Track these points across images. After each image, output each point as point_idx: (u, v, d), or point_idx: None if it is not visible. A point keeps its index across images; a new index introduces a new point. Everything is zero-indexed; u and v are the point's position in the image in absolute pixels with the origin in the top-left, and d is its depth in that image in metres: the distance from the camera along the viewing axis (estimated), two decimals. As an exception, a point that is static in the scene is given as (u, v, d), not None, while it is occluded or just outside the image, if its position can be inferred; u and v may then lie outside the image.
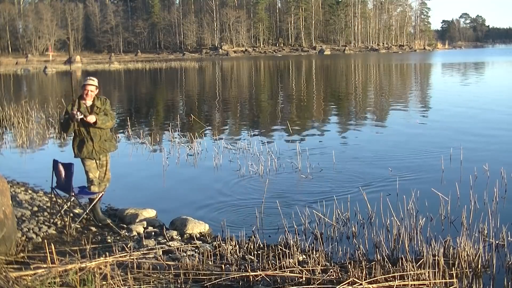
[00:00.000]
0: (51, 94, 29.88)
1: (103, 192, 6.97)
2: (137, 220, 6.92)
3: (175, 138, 13.24)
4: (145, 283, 4.61)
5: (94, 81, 6.91)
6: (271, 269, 4.96)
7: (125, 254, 5.32)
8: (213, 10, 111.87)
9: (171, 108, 23.16)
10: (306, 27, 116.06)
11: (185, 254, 5.61)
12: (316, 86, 32.69)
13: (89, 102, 6.86)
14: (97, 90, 6.96)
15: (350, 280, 4.54)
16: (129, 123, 14.88)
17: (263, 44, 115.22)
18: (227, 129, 16.30)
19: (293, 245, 5.90)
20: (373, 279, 4.62)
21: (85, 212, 6.94)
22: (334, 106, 22.08)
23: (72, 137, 7.04)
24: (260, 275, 4.79)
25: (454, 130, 14.17)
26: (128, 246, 5.80)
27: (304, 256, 5.63)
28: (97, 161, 6.89)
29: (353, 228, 6.68)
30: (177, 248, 5.79)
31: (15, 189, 8.52)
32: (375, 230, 6.35)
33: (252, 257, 5.62)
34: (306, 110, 20.92)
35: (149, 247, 5.78)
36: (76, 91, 8.44)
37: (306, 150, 10.98)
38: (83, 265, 4.75)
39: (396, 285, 4.51)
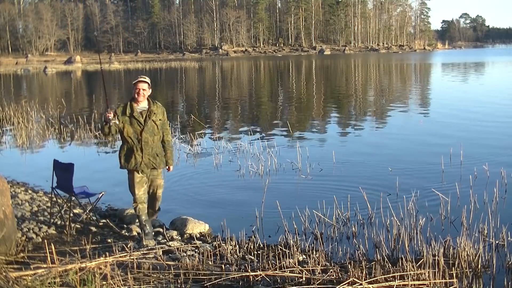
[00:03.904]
0: (51, 94, 29.89)
1: (103, 192, 6.96)
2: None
3: (175, 138, 13.24)
4: (145, 283, 4.61)
5: (146, 79, 5.99)
6: (271, 269, 4.96)
7: (125, 254, 5.32)
8: (213, 10, 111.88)
9: (171, 108, 23.15)
10: (306, 27, 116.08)
11: (185, 254, 5.61)
12: (316, 86, 32.69)
13: (143, 105, 5.98)
14: (150, 90, 6.06)
15: (350, 280, 4.54)
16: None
17: (263, 44, 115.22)
18: (227, 129, 16.30)
19: (293, 245, 5.89)
20: (373, 279, 4.62)
21: (86, 212, 6.94)
22: (334, 106, 22.08)
23: (120, 146, 6.22)
24: (260, 275, 4.79)
25: (454, 130, 14.16)
26: (128, 246, 5.80)
27: (304, 256, 5.63)
28: (144, 175, 6.12)
29: (353, 228, 6.68)
30: (177, 248, 5.79)
31: (15, 189, 8.51)
32: (375, 230, 6.36)
33: (252, 257, 5.62)
34: (306, 110, 20.92)
35: (149, 247, 5.78)
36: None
37: (306, 150, 10.98)
38: (83, 265, 4.75)
39: (396, 285, 4.50)
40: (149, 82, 6.01)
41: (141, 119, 5.93)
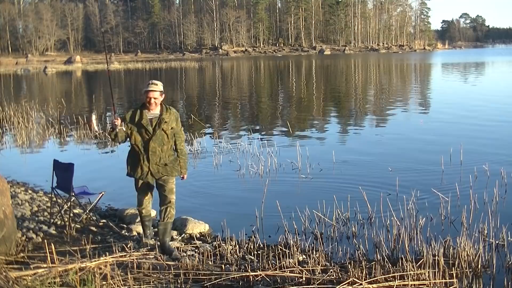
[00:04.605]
0: (51, 94, 29.88)
1: (103, 192, 6.96)
2: (137, 220, 6.91)
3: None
4: (145, 283, 4.61)
5: (158, 86, 5.52)
6: (271, 269, 4.96)
7: (125, 254, 5.32)
8: (213, 10, 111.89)
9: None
10: (306, 27, 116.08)
11: (185, 254, 5.61)
12: (316, 86, 32.69)
13: (155, 111, 5.56)
14: (163, 96, 5.61)
15: (350, 280, 4.53)
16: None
17: (263, 44, 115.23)
18: (227, 129, 16.30)
19: (293, 245, 5.90)
20: (373, 279, 4.62)
21: (85, 212, 6.94)
22: (334, 106, 22.07)
23: (128, 153, 5.81)
24: (260, 275, 4.79)
25: (454, 130, 14.17)
26: (128, 246, 5.80)
27: (304, 256, 5.64)
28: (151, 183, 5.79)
29: (353, 228, 6.68)
30: (177, 248, 5.79)
31: (15, 189, 8.51)
32: (375, 230, 6.36)
33: (252, 257, 5.62)
34: (306, 110, 20.91)
35: (149, 247, 5.78)
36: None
37: (306, 150, 10.98)
38: (83, 265, 4.75)
39: (396, 285, 4.50)
40: (162, 89, 5.56)
41: (149, 128, 5.50)
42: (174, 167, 5.65)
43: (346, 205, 7.15)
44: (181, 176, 5.82)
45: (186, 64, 66.33)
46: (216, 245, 5.96)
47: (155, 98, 5.48)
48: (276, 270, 4.92)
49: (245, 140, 13.05)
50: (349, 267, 4.96)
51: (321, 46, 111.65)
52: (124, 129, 5.51)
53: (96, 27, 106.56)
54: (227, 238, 6.21)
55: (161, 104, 5.60)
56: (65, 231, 6.46)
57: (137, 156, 5.59)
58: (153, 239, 6.13)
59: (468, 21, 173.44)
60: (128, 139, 5.64)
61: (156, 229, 6.64)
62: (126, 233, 6.54)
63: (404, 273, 4.82)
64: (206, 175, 9.86)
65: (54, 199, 7.02)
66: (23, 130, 14.54)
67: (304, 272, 4.80)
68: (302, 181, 9.21)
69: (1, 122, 16.87)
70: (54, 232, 6.44)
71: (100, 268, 4.73)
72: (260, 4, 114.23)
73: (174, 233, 6.50)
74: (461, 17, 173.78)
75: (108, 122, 5.60)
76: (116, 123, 5.45)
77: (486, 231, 6.19)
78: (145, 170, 5.56)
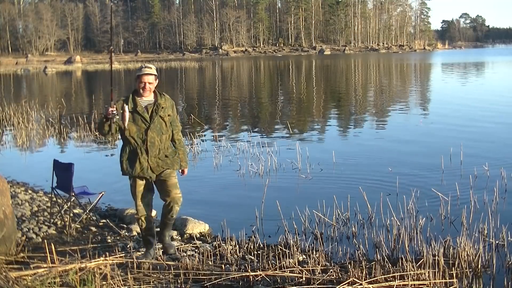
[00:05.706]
0: (51, 94, 29.88)
1: (103, 192, 6.96)
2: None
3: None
4: (145, 283, 4.61)
5: (152, 69, 5.03)
6: (271, 269, 4.96)
7: (125, 254, 5.32)
8: (213, 10, 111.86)
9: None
10: (306, 27, 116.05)
11: (185, 254, 5.61)
12: (316, 86, 32.69)
13: (149, 98, 5.05)
14: (157, 81, 5.11)
15: (350, 280, 4.53)
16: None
17: (263, 44, 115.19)
18: (227, 129, 16.30)
19: (293, 245, 5.90)
20: (373, 279, 4.62)
21: (85, 212, 6.94)
22: (334, 106, 22.07)
23: (121, 149, 5.19)
24: (260, 275, 4.79)
25: (454, 130, 14.16)
26: (128, 246, 5.80)
27: (304, 256, 5.64)
28: (150, 180, 5.15)
29: (353, 228, 6.68)
30: (177, 248, 5.79)
31: (15, 189, 8.51)
32: (375, 230, 6.36)
33: (252, 257, 5.62)
34: (306, 110, 20.91)
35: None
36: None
37: (306, 150, 10.98)
38: (83, 265, 4.75)
39: (396, 285, 4.50)
40: (156, 73, 5.06)
41: (146, 115, 4.95)
42: (175, 160, 5.16)
43: (346, 205, 7.15)
44: (181, 170, 5.31)
45: (186, 64, 66.31)
46: (216, 245, 5.96)
47: (149, 83, 4.97)
48: (276, 270, 4.92)
49: (245, 140, 13.04)
50: (349, 267, 4.96)
51: (321, 46, 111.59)
52: (120, 118, 4.92)
53: (96, 27, 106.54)
54: (227, 238, 6.21)
55: (154, 91, 5.10)
56: (65, 231, 6.47)
57: (134, 150, 4.99)
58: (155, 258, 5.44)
59: (468, 21, 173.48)
60: (118, 132, 5.04)
61: (155, 229, 6.65)
62: (126, 233, 6.54)
63: (404, 273, 4.82)
64: (206, 175, 9.85)
65: (54, 199, 7.02)
66: (23, 130, 14.54)
67: (304, 272, 4.80)
68: (302, 181, 9.21)
69: (1, 122, 16.88)
70: (54, 232, 6.45)
71: (100, 268, 4.73)
72: (260, 4, 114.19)
73: (174, 233, 6.49)
74: (461, 17, 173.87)
75: (103, 112, 4.97)
76: (113, 111, 4.84)
77: (486, 231, 6.19)
78: (144, 165, 4.97)
